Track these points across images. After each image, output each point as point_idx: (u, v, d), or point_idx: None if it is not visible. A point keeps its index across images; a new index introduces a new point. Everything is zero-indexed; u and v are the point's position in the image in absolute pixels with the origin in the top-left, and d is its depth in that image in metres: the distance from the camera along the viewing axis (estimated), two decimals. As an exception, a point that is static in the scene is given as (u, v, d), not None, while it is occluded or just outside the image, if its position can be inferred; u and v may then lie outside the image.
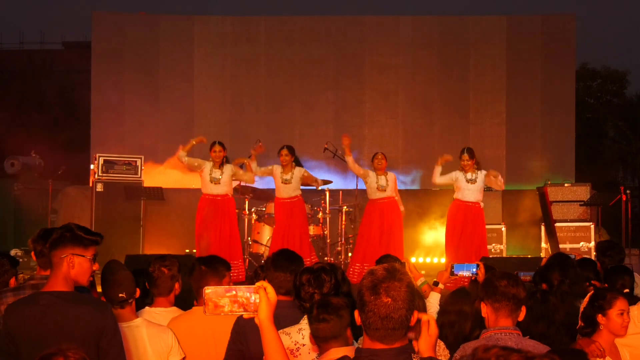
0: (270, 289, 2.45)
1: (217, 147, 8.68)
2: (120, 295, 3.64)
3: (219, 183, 8.66)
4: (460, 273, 4.68)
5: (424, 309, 4.26)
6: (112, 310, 3.19)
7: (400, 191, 9.27)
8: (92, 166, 11.17)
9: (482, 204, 8.81)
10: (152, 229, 11.05)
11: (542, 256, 9.09)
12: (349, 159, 9.03)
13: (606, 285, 4.74)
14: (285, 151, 8.94)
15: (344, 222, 10.17)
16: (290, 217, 8.94)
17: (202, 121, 13.17)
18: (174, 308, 4.12)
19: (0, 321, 3.20)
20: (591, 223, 10.58)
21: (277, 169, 8.97)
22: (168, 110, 13.13)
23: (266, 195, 10.30)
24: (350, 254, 10.07)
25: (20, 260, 8.19)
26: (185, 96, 13.19)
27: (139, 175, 10.78)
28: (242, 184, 10.08)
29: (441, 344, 3.79)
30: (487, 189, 10.05)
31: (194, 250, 9.14)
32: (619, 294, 3.91)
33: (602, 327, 3.81)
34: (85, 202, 11.21)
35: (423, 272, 5.95)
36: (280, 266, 3.75)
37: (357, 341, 3.41)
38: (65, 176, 12.05)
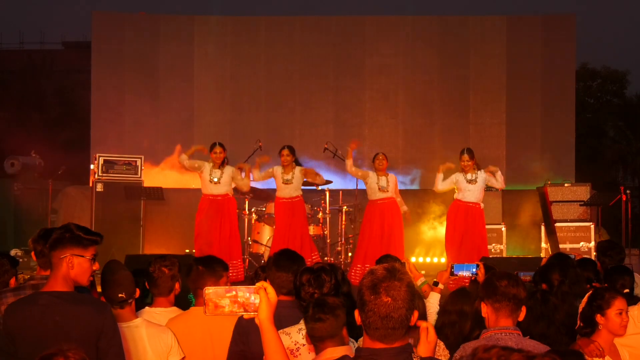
0: (270, 290, 2.45)
1: (218, 149, 8.68)
2: (120, 295, 3.64)
3: (219, 183, 8.67)
4: (460, 273, 4.69)
5: (423, 310, 4.26)
6: (112, 311, 3.19)
7: (400, 191, 9.28)
8: (92, 166, 11.17)
9: (482, 205, 8.81)
10: (152, 229, 11.05)
11: (542, 256, 9.09)
12: (349, 162, 9.02)
13: (606, 285, 4.74)
14: (286, 151, 8.95)
15: (344, 222, 10.17)
16: (292, 217, 8.94)
17: (202, 121, 13.17)
18: (174, 308, 4.12)
19: (0, 321, 3.20)
20: (591, 223, 10.58)
21: (278, 169, 8.98)
22: (168, 110, 13.13)
23: (266, 195, 10.31)
24: (350, 254, 10.08)
25: (20, 260, 8.20)
26: (185, 96, 13.19)
27: (139, 175, 10.78)
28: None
29: (441, 344, 3.79)
30: (488, 189, 10.05)
31: (194, 250, 9.14)
32: (617, 293, 3.91)
33: (601, 327, 3.81)
34: (85, 202, 11.21)
35: (423, 272, 5.95)
36: (282, 266, 3.75)
37: (357, 341, 3.41)
38: (65, 176, 12.05)
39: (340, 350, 2.93)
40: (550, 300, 4.03)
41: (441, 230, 10.55)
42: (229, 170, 8.74)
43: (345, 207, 10.20)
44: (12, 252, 8.68)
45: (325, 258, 9.67)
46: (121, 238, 10.22)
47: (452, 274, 4.67)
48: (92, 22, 13.50)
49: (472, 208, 8.72)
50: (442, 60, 13.17)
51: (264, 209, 10.01)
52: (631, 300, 4.45)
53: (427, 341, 2.41)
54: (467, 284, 5.30)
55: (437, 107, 13.11)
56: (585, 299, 3.93)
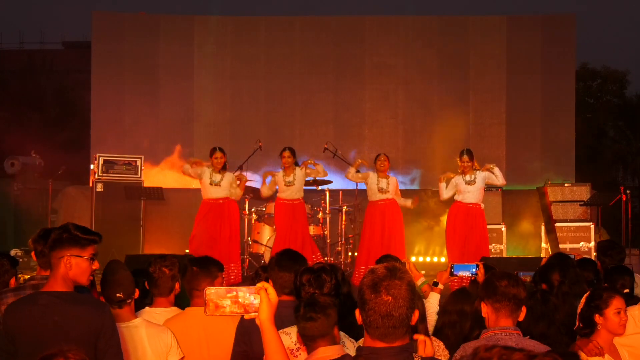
0: (271, 290, 2.45)
1: (218, 154, 8.68)
2: (118, 295, 3.64)
3: (220, 186, 8.67)
4: (460, 273, 4.69)
5: (422, 310, 4.26)
6: (111, 311, 3.19)
7: (400, 191, 9.28)
8: (92, 166, 11.17)
9: (482, 205, 8.82)
10: (152, 229, 11.05)
11: (542, 256, 9.08)
12: (352, 170, 9.07)
13: (606, 285, 4.74)
14: (287, 153, 8.95)
15: (344, 222, 10.17)
16: (292, 218, 8.94)
17: (202, 121, 13.17)
18: (174, 308, 4.12)
19: (0, 321, 3.20)
20: (591, 223, 10.57)
21: (279, 174, 8.99)
22: (168, 110, 13.13)
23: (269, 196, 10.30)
24: (350, 254, 10.08)
25: (20, 260, 8.20)
26: (185, 96, 13.19)
27: (139, 175, 10.78)
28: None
29: (440, 344, 3.79)
30: (488, 189, 10.05)
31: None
32: (615, 292, 3.91)
33: (600, 327, 3.81)
34: (85, 202, 11.21)
35: (423, 272, 5.95)
36: (284, 266, 3.75)
37: (356, 341, 3.41)
38: (65, 176, 12.04)
39: (332, 350, 2.93)
40: (551, 300, 4.03)
41: (440, 229, 10.56)
42: (229, 176, 8.77)
43: (345, 207, 10.20)
44: (12, 252, 8.68)
45: (325, 258, 9.67)
46: (121, 238, 10.21)
47: (451, 274, 4.67)
48: (92, 22, 13.50)
49: (472, 209, 8.73)
50: (442, 60, 13.17)
51: (264, 209, 10.01)
52: (631, 300, 4.45)
53: (425, 353, 2.42)
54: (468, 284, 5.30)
55: (437, 107, 13.11)
56: (583, 300, 3.93)
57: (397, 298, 2.29)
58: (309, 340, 3.02)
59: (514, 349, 1.80)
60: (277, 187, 9.16)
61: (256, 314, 2.43)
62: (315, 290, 3.44)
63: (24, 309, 3.03)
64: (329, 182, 10.31)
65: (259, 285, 2.45)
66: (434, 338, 3.80)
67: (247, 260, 9.75)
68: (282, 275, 3.71)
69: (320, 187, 10.28)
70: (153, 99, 13.11)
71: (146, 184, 10.82)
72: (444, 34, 13.27)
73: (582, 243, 10.50)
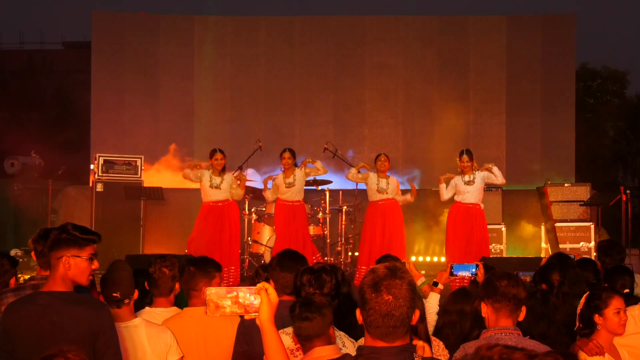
0: (271, 290, 2.45)
1: (219, 155, 8.67)
2: (114, 295, 3.64)
3: (219, 188, 8.66)
4: (460, 273, 4.68)
5: (422, 310, 4.26)
6: (110, 311, 3.19)
7: (400, 191, 9.27)
8: (92, 166, 11.17)
9: (482, 205, 8.83)
10: (152, 229, 11.04)
11: (542, 256, 9.08)
12: (353, 170, 9.09)
13: (606, 285, 4.74)
14: (287, 154, 8.95)
15: (344, 222, 10.17)
16: (293, 220, 8.94)
17: (202, 121, 13.18)
18: (174, 308, 4.12)
19: (-1, 320, 3.20)
20: (591, 223, 10.57)
21: (279, 177, 9.00)
22: (168, 110, 13.14)
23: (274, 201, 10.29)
24: (350, 254, 10.09)
25: (20, 260, 8.20)
26: (185, 96, 13.19)
27: (139, 175, 10.78)
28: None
29: (440, 344, 3.79)
30: (487, 189, 10.05)
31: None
32: (614, 292, 3.91)
33: (600, 327, 3.81)
34: (85, 202, 11.21)
35: (423, 272, 5.95)
36: (286, 266, 3.75)
37: (356, 341, 3.42)
38: (65, 176, 12.04)
39: (328, 350, 2.93)
40: (551, 300, 4.03)
41: (439, 229, 10.56)
42: (228, 177, 8.76)
43: (345, 207, 10.19)
44: (12, 252, 8.69)
45: (325, 258, 9.67)
46: (121, 238, 10.21)
47: (451, 274, 4.66)
48: (92, 22, 13.50)
49: (472, 209, 8.74)
50: (442, 60, 13.18)
51: (264, 209, 10.01)
52: (631, 300, 4.45)
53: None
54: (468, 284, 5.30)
55: (437, 107, 13.11)
56: (582, 300, 3.93)
57: (397, 297, 2.29)
58: (304, 340, 3.02)
59: (515, 348, 1.80)
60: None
61: (256, 314, 2.43)
62: (316, 291, 3.44)
63: (23, 309, 3.03)
64: (329, 182, 10.31)
65: (259, 285, 2.45)
66: (433, 338, 3.80)
67: (247, 260, 9.75)
68: (284, 276, 3.71)
69: (320, 187, 10.28)
70: (153, 99, 13.11)
71: (145, 184, 10.82)
72: (444, 34, 13.27)
73: (582, 243, 10.50)
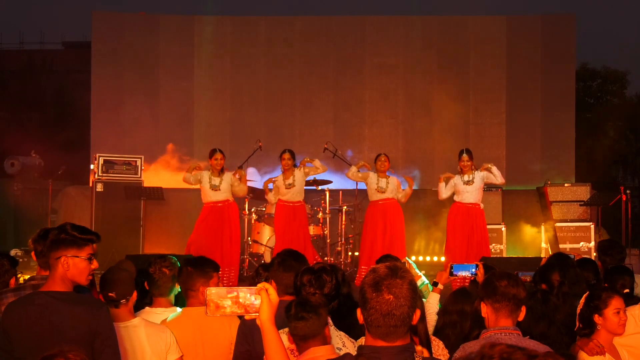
0: (271, 290, 2.45)
1: (219, 155, 8.68)
2: (110, 294, 3.65)
3: (219, 189, 8.66)
4: (460, 273, 4.68)
5: (422, 310, 4.26)
6: (109, 311, 3.18)
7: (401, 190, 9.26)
8: (92, 166, 11.17)
9: (482, 205, 8.84)
10: (152, 229, 11.04)
11: (542, 256, 9.09)
12: (353, 169, 9.09)
13: (606, 285, 4.74)
14: (287, 155, 8.96)
15: (344, 222, 10.16)
16: (293, 220, 8.94)
17: (201, 121, 13.18)
18: (174, 308, 4.12)
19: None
20: (591, 223, 10.57)
21: (279, 179, 9.00)
22: (168, 110, 13.14)
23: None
24: (350, 254, 10.08)
25: (20, 260, 8.19)
26: (184, 96, 13.19)
27: (139, 175, 10.78)
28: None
29: (440, 344, 3.79)
30: (487, 189, 10.05)
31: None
32: (614, 292, 3.91)
33: (600, 327, 3.81)
34: (85, 202, 11.21)
35: (423, 271, 5.95)
36: (289, 266, 3.74)
37: (356, 341, 3.42)
38: (65, 176, 12.04)
39: (324, 350, 2.93)
40: (551, 300, 4.03)
41: (439, 229, 10.57)
42: (227, 177, 8.75)
43: (345, 207, 10.19)
44: (12, 252, 8.69)
45: (325, 258, 9.67)
46: (121, 238, 10.21)
47: (451, 274, 4.66)
48: (92, 22, 13.50)
49: (472, 209, 8.76)
50: (442, 60, 13.18)
51: (264, 209, 10.01)
52: (631, 300, 4.45)
53: None
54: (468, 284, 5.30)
55: (437, 107, 13.11)
56: (582, 300, 3.93)
57: (398, 297, 2.29)
58: (300, 340, 3.02)
59: (517, 348, 1.80)
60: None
61: (257, 314, 2.43)
62: (316, 291, 3.44)
63: (22, 309, 3.04)
64: (329, 182, 10.31)
65: (259, 285, 2.45)
66: (433, 338, 3.80)
67: (247, 260, 9.75)
68: (287, 276, 3.70)
69: (320, 187, 10.28)
70: (153, 99, 13.11)
71: (145, 184, 10.82)
72: (444, 34, 13.27)
73: (582, 243, 10.50)
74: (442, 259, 10.44)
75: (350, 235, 10.16)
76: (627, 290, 4.70)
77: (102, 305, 3.18)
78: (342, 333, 3.42)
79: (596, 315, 3.81)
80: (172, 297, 4.13)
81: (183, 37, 13.31)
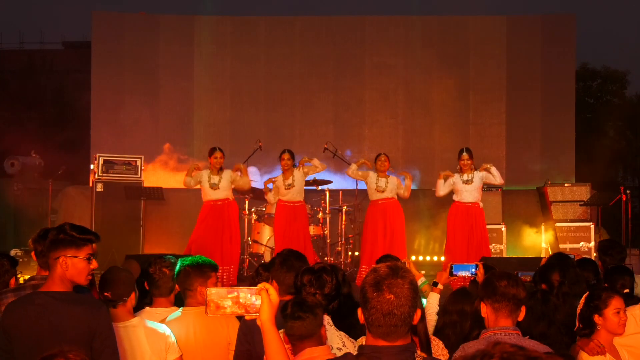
0: (272, 291, 2.45)
1: (219, 154, 8.69)
2: (105, 294, 3.65)
3: (218, 188, 8.67)
4: (460, 273, 4.68)
5: (422, 310, 4.26)
6: (107, 311, 3.18)
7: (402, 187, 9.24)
8: (92, 166, 11.17)
9: (481, 204, 8.85)
10: (152, 229, 11.04)
11: (542, 256, 9.09)
12: (353, 166, 9.10)
13: (606, 285, 4.74)
14: (287, 155, 8.96)
15: (344, 222, 10.16)
16: (294, 221, 8.95)
17: (202, 121, 13.18)
18: (174, 308, 4.12)
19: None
20: (591, 223, 10.57)
21: (278, 179, 9.00)
22: (168, 110, 13.14)
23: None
24: (350, 254, 10.09)
25: (20, 260, 8.19)
26: (185, 96, 13.19)
27: (139, 175, 10.78)
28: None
29: (440, 344, 3.79)
30: (487, 189, 10.05)
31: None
32: (614, 292, 3.91)
33: (600, 327, 3.81)
34: (85, 202, 11.21)
35: (423, 271, 5.95)
36: (291, 266, 3.74)
37: (356, 340, 3.42)
38: (65, 176, 12.04)
39: (320, 351, 2.93)
40: (551, 300, 4.03)
41: (438, 229, 10.56)
42: (227, 174, 8.75)
43: (345, 207, 10.19)
44: (12, 252, 8.69)
45: (325, 258, 9.67)
46: (121, 238, 10.21)
47: (451, 274, 4.66)
48: (92, 22, 13.50)
49: (471, 208, 8.77)
50: (442, 60, 13.18)
51: (264, 209, 10.01)
52: (631, 300, 4.46)
53: None
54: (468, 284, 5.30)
55: (437, 107, 13.12)
56: (582, 300, 3.93)
57: (399, 297, 2.29)
58: (296, 340, 3.01)
59: (519, 348, 1.79)
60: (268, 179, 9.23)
61: (257, 314, 2.43)
62: (317, 291, 3.44)
63: (21, 309, 3.04)
64: (329, 182, 10.31)
65: (260, 285, 2.45)
66: (433, 337, 3.80)
67: (247, 260, 9.75)
68: (289, 276, 3.69)
69: (320, 187, 10.28)
70: (153, 99, 13.11)
71: (145, 184, 10.83)
72: (444, 34, 13.27)
73: (582, 243, 10.50)
74: (442, 258, 10.44)
75: (350, 235, 10.16)
76: (627, 290, 4.70)
77: (102, 305, 3.18)
78: (342, 333, 3.42)
79: (596, 315, 3.81)
80: (172, 296, 4.12)
81: (183, 37, 13.31)
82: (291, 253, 3.90)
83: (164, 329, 3.71)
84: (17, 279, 4.50)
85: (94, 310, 3.05)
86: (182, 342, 3.74)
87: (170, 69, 13.22)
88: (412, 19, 13.67)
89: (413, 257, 10.72)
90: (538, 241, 10.84)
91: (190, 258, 4.12)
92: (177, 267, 4.01)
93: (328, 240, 9.97)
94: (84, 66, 17.55)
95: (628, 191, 10.35)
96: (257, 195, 10.37)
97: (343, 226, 10.16)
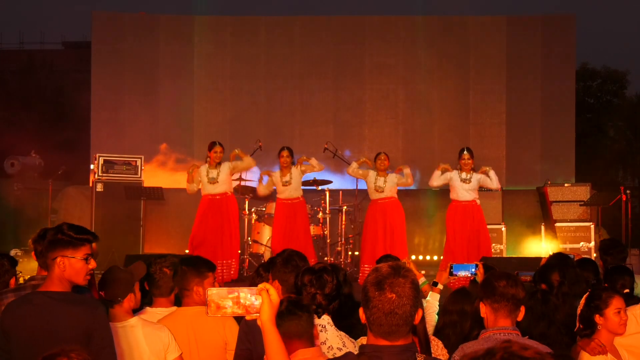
0: (272, 291, 2.45)
1: (218, 148, 8.71)
2: (100, 293, 3.65)
3: (217, 182, 8.68)
4: (459, 273, 4.68)
5: (422, 309, 4.26)
6: (105, 311, 3.18)
7: (398, 191, 9.23)
8: (92, 166, 11.18)
9: (478, 201, 8.87)
10: (152, 229, 11.05)
11: (542, 256, 9.08)
12: (353, 164, 9.09)
13: (606, 285, 4.74)
14: (286, 152, 8.97)
15: (344, 222, 10.16)
16: (294, 218, 8.95)
17: (202, 121, 13.17)
18: (174, 308, 4.12)
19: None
20: (591, 223, 10.57)
21: (276, 174, 9.01)
22: (168, 110, 13.13)
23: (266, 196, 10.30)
24: (350, 254, 10.09)
25: (20, 260, 8.19)
26: (185, 96, 13.19)
27: (139, 175, 10.79)
28: (243, 183, 10.09)
29: (439, 344, 3.79)
30: (485, 191, 10.05)
31: (187, 251, 9.15)
32: (614, 292, 3.91)
33: (601, 327, 3.81)
34: (85, 202, 11.21)
35: (423, 271, 5.95)
36: (295, 266, 3.73)
37: (356, 340, 3.42)
38: (65, 176, 12.04)
39: (311, 352, 2.92)
40: (551, 300, 4.03)
41: (437, 229, 10.56)
42: (225, 167, 8.75)
43: (345, 207, 10.19)
44: (12, 252, 8.69)
45: (326, 258, 9.67)
46: (121, 238, 10.21)
47: (451, 274, 4.67)
48: (92, 22, 13.50)
49: (468, 206, 8.79)
50: (442, 60, 13.17)
51: (264, 209, 10.02)
52: (631, 300, 4.46)
53: None
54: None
55: (437, 107, 13.11)
56: (582, 301, 3.93)
57: (401, 296, 2.29)
58: (288, 338, 3.00)
59: (525, 348, 1.79)
60: (274, 188, 9.18)
61: (257, 314, 2.43)
62: (317, 291, 3.43)
63: (20, 309, 3.04)
64: (329, 182, 10.31)
65: (260, 286, 2.45)
66: (432, 337, 3.80)
67: (247, 260, 9.75)
68: (293, 276, 3.69)
69: (320, 187, 10.28)
70: (153, 99, 13.11)
71: (145, 184, 10.83)
72: (444, 34, 13.27)
73: (582, 243, 10.50)
74: (442, 258, 10.44)
75: (350, 235, 10.16)
76: (627, 291, 4.70)
77: (99, 305, 3.17)
78: (342, 333, 3.42)
79: (597, 316, 3.81)
80: (172, 296, 4.12)
81: (183, 37, 13.31)
82: (295, 253, 3.90)
83: (162, 328, 3.70)
84: (17, 279, 4.50)
85: (91, 310, 3.05)
86: (179, 342, 3.74)
87: (170, 69, 13.22)
88: (412, 18, 13.68)
89: (413, 257, 10.72)
90: (538, 241, 10.84)
91: (187, 257, 4.12)
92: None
93: (328, 240, 9.97)
94: (84, 66, 17.56)
95: (628, 191, 10.35)
96: (257, 196, 10.36)
97: (343, 226, 10.16)
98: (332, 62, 13.28)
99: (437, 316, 4.42)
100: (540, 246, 10.74)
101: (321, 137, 12.26)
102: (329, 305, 3.45)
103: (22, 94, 22.80)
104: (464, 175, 8.76)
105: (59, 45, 27.35)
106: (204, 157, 9.07)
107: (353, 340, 3.42)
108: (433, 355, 3.54)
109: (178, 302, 4.20)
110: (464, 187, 8.73)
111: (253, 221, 9.97)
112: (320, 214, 9.94)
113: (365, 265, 8.83)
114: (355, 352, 2.58)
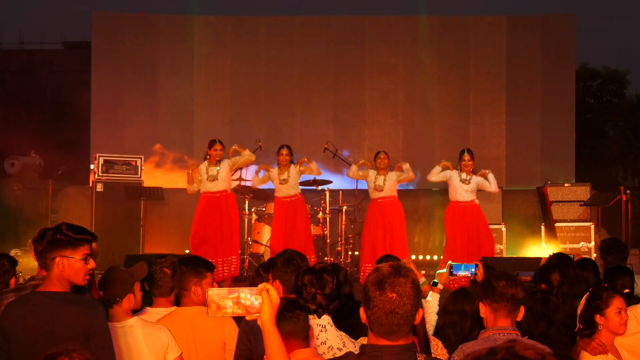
0: (272, 291, 2.45)
1: (219, 146, 8.71)
2: (99, 293, 3.65)
3: (217, 179, 8.68)
4: (459, 273, 4.68)
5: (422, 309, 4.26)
6: (104, 311, 3.18)
7: (398, 191, 9.24)
8: (92, 166, 11.18)
9: (476, 201, 8.88)
10: (152, 229, 11.05)
11: (542, 256, 9.08)
12: (353, 167, 9.11)
13: (606, 285, 4.74)
14: (285, 150, 8.97)
15: (344, 222, 10.17)
16: (294, 216, 8.94)
17: (202, 121, 13.17)
18: (174, 308, 4.12)
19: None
20: (591, 223, 10.57)
21: (274, 171, 9.00)
22: (168, 110, 13.13)
23: (266, 195, 10.31)
24: (350, 254, 10.09)
25: (20, 260, 8.19)
26: (184, 96, 13.19)
27: (139, 175, 10.79)
28: (242, 183, 10.09)
29: (439, 344, 3.79)
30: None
31: (187, 251, 9.15)
32: (614, 292, 3.91)
33: (601, 327, 3.81)
34: (85, 202, 11.21)
35: (423, 271, 5.95)
36: (297, 266, 3.73)
37: (356, 340, 3.42)
38: (65, 176, 12.04)
39: (307, 353, 2.92)
40: (551, 300, 4.03)
41: (438, 229, 10.56)
42: (225, 164, 8.75)
43: (345, 207, 10.19)
44: (12, 252, 8.68)
45: (326, 258, 9.67)
46: (121, 238, 10.21)
47: (451, 274, 4.67)
48: (92, 22, 13.50)
49: (467, 206, 8.79)
50: (442, 60, 13.18)
51: (264, 209, 10.02)
52: (631, 300, 4.46)
53: None
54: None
55: (437, 107, 13.11)
56: (583, 301, 3.93)
57: (402, 296, 2.30)
58: (284, 337, 3.00)
59: (527, 348, 1.79)
60: (272, 186, 9.20)
61: (258, 315, 2.43)
62: (317, 291, 3.43)
63: (19, 309, 3.04)
64: (329, 182, 10.31)
65: (260, 286, 2.45)
66: (432, 337, 3.81)
67: (247, 260, 9.75)
68: (294, 276, 3.68)
69: (320, 187, 10.28)
70: (153, 99, 13.11)
71: (145, 184, 10.83)
72: (444, 34, 13.27)
73: (582, 243, 10.50)
74: (442, 257, 10.44)
75: (350, 235, 10.16)
76: (627, 291, 4.70)
77: (98, 305, 3.17)
78: (342, 333, 3.42)
79: (597, 316, 3.81)
80: (172, 296, 4.12)
81: (183, 37, 13.31)
82: (295, 253, 3.90)
83: (161, 328, 3.70)
84: (17, 279, 4.50)
85: (90, 311, 3.05)
86: (177, 342, 3.74)
87: (170, 69, 13.22)
88: (412, 18, 13.67)
89: (413, 257, 10.72)
90: (538, 241, 10.84)
91: (185, 257, 4.12)
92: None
93: (328, 240, 9.97)
94: (83, 66, 17.55)
95: (628, 191, 10.34)
96: (257, 195, 10.37)
97: (343, 226, 10.16)
98: (332, 62, 13.28)
99: (437, 316, 4.43)
100: (540, 246, 10.74)
101: (321, 137, 12.26)
102: (329, 305, 3.45)
103: (22, 94, 22.80)
104: (463, 175, 8.77)
105: (59, 45, 27.35)
106: (204, 157, 9.06)
107: (353, 340, 3.42)
108: (433, 355, 3.54)
109: (178, 302, 4.21)
110: (463, 187, 8.74)
111: (253, 221, 9.98)
112: (320, 214, 9.94)
113: (367, 265, 8.83)
114: (356, 352, 2.57)
